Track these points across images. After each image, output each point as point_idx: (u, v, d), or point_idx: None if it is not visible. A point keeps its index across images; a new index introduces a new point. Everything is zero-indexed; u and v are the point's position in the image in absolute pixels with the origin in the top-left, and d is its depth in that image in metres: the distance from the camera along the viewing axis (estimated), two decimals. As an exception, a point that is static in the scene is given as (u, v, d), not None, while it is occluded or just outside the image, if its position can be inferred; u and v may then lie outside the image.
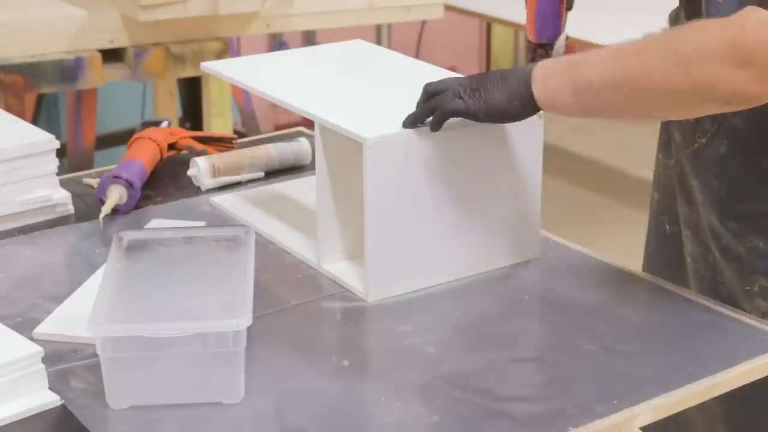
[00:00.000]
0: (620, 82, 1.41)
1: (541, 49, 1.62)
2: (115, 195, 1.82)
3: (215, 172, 1.95)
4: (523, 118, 1.52)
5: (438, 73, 1.79)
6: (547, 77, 1.47)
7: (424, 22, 4.83)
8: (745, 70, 1.34)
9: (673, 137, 1.70)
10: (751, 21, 1.34)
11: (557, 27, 1.62)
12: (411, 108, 1.62)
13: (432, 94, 1.55)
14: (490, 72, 1.53)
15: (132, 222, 1.82)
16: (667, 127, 1.74)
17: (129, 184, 1.84)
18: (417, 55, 4.68)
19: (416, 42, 4.95)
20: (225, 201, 1.89)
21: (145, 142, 1.97)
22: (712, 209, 1.62)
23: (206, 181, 1.95)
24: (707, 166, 1.61)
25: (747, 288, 1.60)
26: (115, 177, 1.84)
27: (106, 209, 1.81)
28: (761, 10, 1.33)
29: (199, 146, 2.03)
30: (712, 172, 1.60)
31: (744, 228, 1.59)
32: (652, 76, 1.39)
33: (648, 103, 1.43)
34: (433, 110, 1.54)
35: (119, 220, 1.83)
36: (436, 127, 1.54)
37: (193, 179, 1.97)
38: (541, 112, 1.62)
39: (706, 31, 1.37)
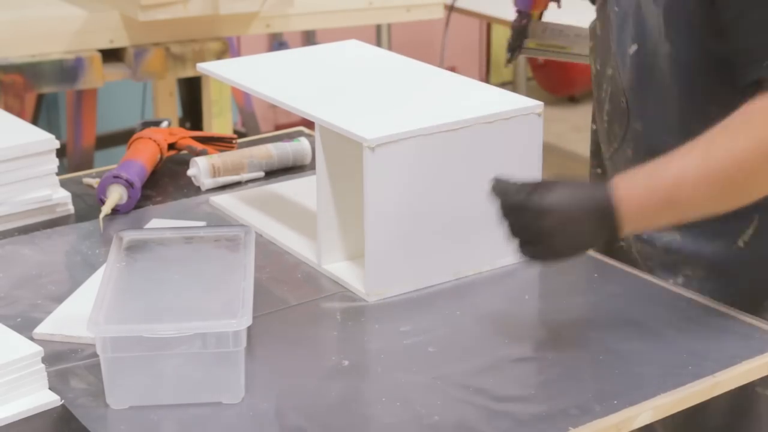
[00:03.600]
0: (726, 190, 1.39)
1: (518, 15, 1.71)
2: (115, 195, 1.83)
3: (215, 172, 1.95)
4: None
5: (436, 73, 1.79)
6: (639, 216, 1.40)
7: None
8: None
9: (600, 146, 1.75)
10: None
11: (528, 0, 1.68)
12: (410, 108, 1.63)
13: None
14: (560, 212, 1.39)
15: (132, 222, 1.82)
16: (595, 137, 1.79)
17: (129, 184, 1.84)
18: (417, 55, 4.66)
19: (416, 42, 4.95)
20: (225, 201, 1.89)
21: (145, 142, 1.97)
22: None
23: (206, 181, 1.95)
24: (620, 168, 1.63)
25: (671, 282, 1.64)
26: (115, 177, 1.84)
27: (106, 209, 1.81)
28: None
29: (199, 146, 2.03)
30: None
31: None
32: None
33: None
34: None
35: (119, 220, 1.83)
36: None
37: (193, 179, 1.97)
38: (540, 110, 1.63)
39: None
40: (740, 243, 1.61)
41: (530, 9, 1.74)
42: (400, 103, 1.66)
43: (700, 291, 1.62)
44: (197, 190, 1.95)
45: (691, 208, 1.41)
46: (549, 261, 1.48)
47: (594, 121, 1.79)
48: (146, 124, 2.09)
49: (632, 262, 1.74)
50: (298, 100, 1.67)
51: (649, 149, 1.57)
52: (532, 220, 1.39)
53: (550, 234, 1.39)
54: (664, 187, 1.39)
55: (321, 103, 1.65)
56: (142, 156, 1.94)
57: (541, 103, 1.64)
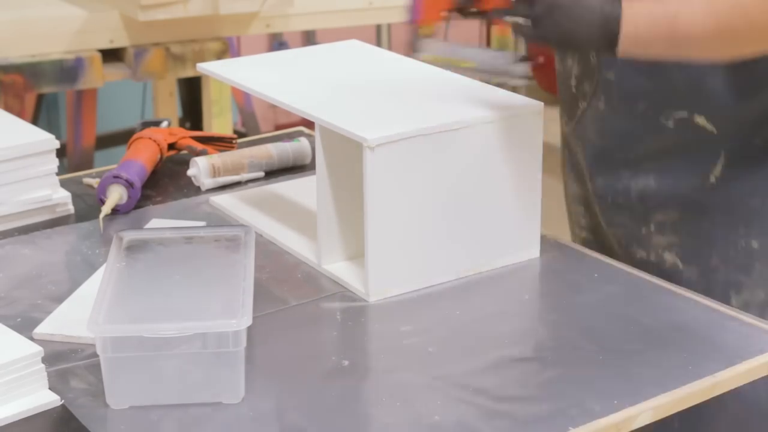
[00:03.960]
0: (723, 31, 1.43)
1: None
2: (115, 195, 1.82)
3: (215, 172, 1.95)
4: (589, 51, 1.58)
5: (436, 73, 1.79)
6: (639, 34, 1.44)
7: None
8: None
9: (562, 120, 1.85)
10: None
11: (416, 11, 1.72)
12: (410, 108, 1.63)
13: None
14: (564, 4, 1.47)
15: (132, 222, 1.82)
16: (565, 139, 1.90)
17: (129, 184, 1.84)
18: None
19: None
20: (225, 201, 1.89)
21: (145, 142, 1.97)
22: (591, 169, 1.77)
23: (206, 181, 1.95)
24: (588, 129, 1.75)
25: (644, 231, 1.73)
26: (115, 177, 1.84)
27: (106, 209, 1.81)
28: None
29: (199, 146, 2.03)
30: (594, 130, 1.75)
31: (628, 174, 1.72)
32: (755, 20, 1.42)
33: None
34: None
35: (119, 220, 1.83)
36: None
37: (193, 179, 1.97)
38: (540, 110, 1.63)
39: None
40: (712, 179, 1.68)
41: (415, 23, 1.76)
42: (400, 103, 1.66)
43: (673, 234, 1.71)
44: (197, 190, 1.95)
45: (689, 40, 1.44)
46: (541, 38, 1.50)
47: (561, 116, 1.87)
48: (146, 124, 2.09)
49: (604, 236, 1.80)
50: (298, 100, 1.67)
51: (623, 95, 1.68)
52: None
53: (552, 6, 1.45)
54: (666, 11, 1.43)
55: (321, 103, 1.65)
56: (142, 156, 1.94)
57: (541, 103, 1.64)
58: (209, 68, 1.86)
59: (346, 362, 1.42)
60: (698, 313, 1.53)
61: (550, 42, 1.50)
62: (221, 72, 1.84)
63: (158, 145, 1.98)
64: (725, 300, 1.66)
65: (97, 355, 1.32)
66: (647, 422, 1.34)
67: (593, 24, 1.45)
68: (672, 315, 1.53)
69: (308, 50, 1.99)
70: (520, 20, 1.49)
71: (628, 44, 1.45)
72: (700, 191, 1.69)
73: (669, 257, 1.72)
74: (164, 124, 2.10)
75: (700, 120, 1.65)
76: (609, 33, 1.44)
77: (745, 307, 1.67)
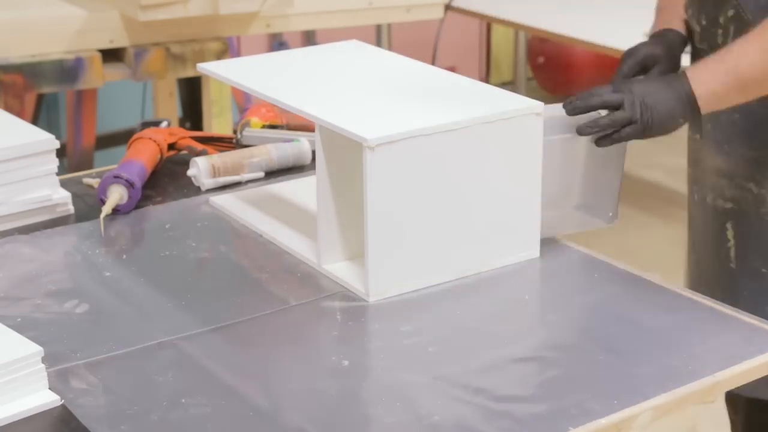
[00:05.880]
0: None
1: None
2: (116, 195, 1.83)
3: (215, 172, 1.95)
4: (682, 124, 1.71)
5: (436, 73, 1.80)
6: (713, 94, 1.64)
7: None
8: None
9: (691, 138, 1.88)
10: None
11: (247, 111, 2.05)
12: (409, 108, 1.62)
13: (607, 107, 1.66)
14: (648, 85, 1.67)
15: (132, 222, 1.82)
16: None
17: (129, 184, 1.84)
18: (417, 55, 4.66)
19: (416, 42, 4.95)
20: (225, 201, 1.89)
21: (145, 142, 1.97)
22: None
23: (206, 181, 1.95)
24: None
25: None
26: (116, 177, 1.84)
27: (106, 209, 1.81)
28: None
29: (199, 146, 2.03)
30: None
31: None
32: None
33: None
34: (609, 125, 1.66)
35: (119, 220, 1.83)
36: (606, 143, 1.66)
37: (193, 179, 1.97)
38: (540, 110, 1.63)
39: None
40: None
41: (244, 117, 2.06)
42: (400, 103, 1.66)
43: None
44: (197, 190, 1.95)
45: (756, 83, 1.64)
46: (645, 135, 1.67)
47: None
48: (146, 124, 2.09)
49: None
50: (298, 100, 1.67)
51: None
52: (636, 95, 1.64)
53: (643, 108, 1.64)
54: (727, 68, 1.63)
55: (321, 103, 1.65)
56: (142, 156, 1.94)
57: (541, 103, 1.64)
58: (209, 68, 1.86)
59: (346, 362, 1.42)
60: (698, 313, 1.53)
61: (652, 135, 1.67)
62: (221, 72, 1.84)
63: (158, 145, 1.98)
64: None
65: (97, 355, 1.32)
66: (647, 422, 1.34)
67: (677, 109, 1.64)
68: (672, 315, 1.53)
69: (308, 50, 2.00)
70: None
71: (706, 105, 1.65)
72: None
73: None
74: (164, 124, 2.10)
75: None
76: (689, 106, 1.64)
77: None
